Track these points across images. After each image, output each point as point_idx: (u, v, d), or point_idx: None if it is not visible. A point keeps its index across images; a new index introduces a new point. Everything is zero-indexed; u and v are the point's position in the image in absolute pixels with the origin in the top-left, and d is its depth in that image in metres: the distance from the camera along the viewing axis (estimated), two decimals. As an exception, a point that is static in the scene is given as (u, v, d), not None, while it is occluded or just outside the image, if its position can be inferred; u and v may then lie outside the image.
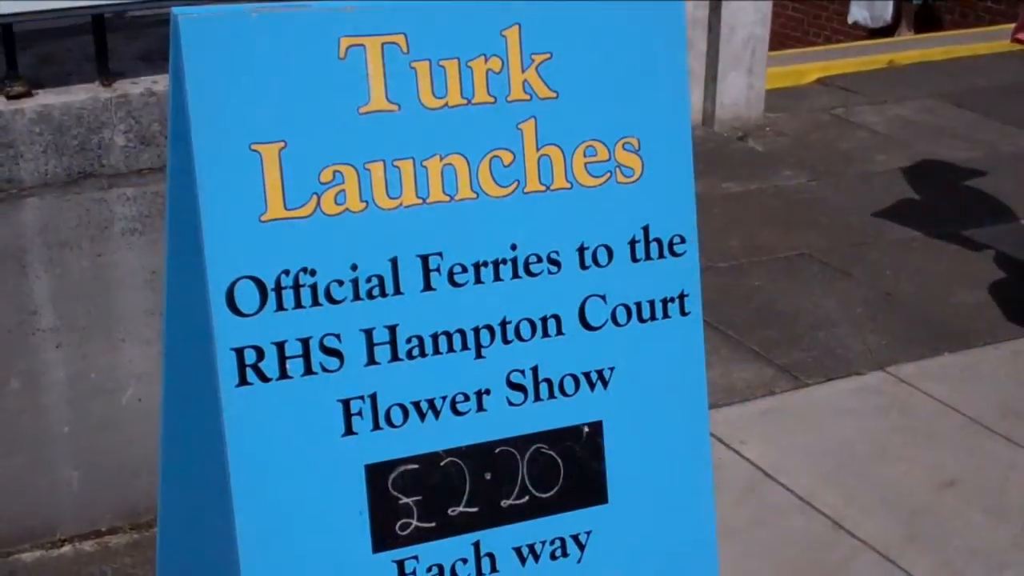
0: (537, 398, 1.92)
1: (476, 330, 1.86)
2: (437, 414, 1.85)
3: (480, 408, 1.88)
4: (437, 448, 1.86)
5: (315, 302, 1.75)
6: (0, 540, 3.31)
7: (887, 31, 10.33)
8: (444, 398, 1.85)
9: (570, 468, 1.95)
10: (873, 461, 3.86)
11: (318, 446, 1.77)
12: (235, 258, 1.70)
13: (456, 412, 1.86)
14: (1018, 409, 4.20)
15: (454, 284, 1.84)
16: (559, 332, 1.92)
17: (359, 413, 1.79)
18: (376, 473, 1.82)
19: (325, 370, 1.76)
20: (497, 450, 1.90)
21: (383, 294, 1.79)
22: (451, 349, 1.85)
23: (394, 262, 1.79)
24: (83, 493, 3.37)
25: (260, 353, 1.72)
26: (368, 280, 1.78)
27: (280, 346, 1.73)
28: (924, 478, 3.77)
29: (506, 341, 1.88)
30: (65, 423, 3.29)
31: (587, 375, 1.95)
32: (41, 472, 3.31)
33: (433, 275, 1.82)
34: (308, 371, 1.75)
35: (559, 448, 1.94)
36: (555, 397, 1.93)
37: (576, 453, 1.96)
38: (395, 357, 1.81)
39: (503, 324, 1.88)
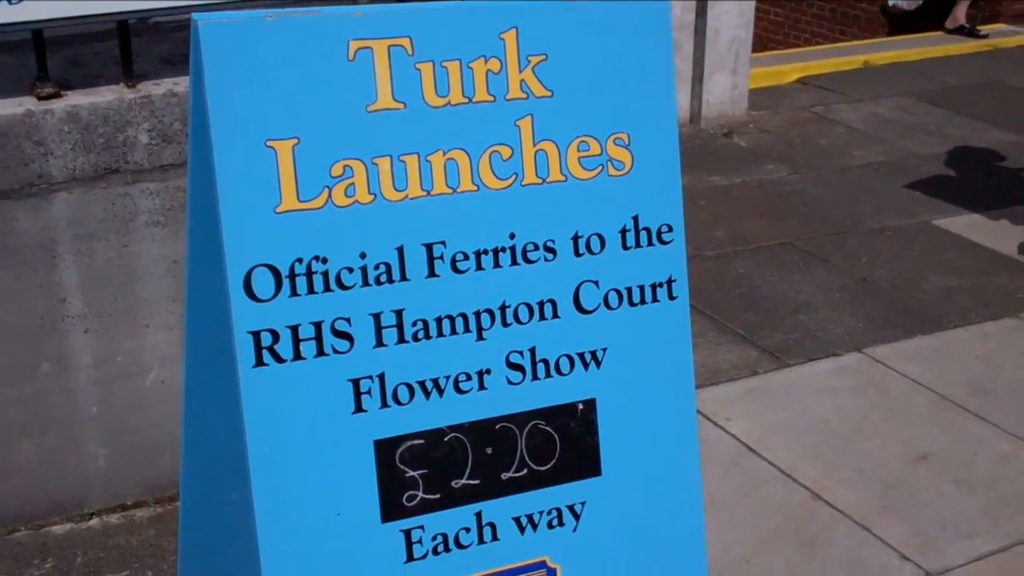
0: (535, 377, 1.93)
1: (477, 314, 1.87)
2: (441, 392, 1.86)
3: (481, 387, 1.89)
4: (441, 424, 1.87)
5: (327, 288, 1.76)
6: (32, 514, 3.33)
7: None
8: (448, 377, 1.86)
9: (566, 442, 1.96)
10: (850, 437, 3.88)
11: (329, 423, 1.79)
12: (252, 247, 1.71)
13: (459, 391, 1.87)
14: (987, 387, 4.22)
15: (456, 271, 1.84)
16: (555, 315, 1.93)
17: (368, 392, 1.80)
18: (384, 448, 1.83)
19: (336, 352, 1.77)
20: (497, 426, 1.91)
21: (390, 280, 1.80)
22: (454, 332, 1.86)
23: (400, 250, 1.80)
24: (110, 469, 3.38)
25: (275, 336, 1.73)
26: (376, 267, 1.79)
27: (294, 329, 1.74)
28: (899, 452, 3.79)
29: (505, 324, 1.89)
30: (93, 404, 3.30)
31: (581, 355, 1.96)
32: (71, 450, 3.32)
33: (437, 263, 1.83)
34: (320, 353, 1.76)
35: (555, 424, 1.95)
36: (551, 376, 1.94)
37: (571, 428, 1.97)
38: (401, 339, 1.82)
39: (502, 308, 1.89)
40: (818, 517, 3.44)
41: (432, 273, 1.83)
